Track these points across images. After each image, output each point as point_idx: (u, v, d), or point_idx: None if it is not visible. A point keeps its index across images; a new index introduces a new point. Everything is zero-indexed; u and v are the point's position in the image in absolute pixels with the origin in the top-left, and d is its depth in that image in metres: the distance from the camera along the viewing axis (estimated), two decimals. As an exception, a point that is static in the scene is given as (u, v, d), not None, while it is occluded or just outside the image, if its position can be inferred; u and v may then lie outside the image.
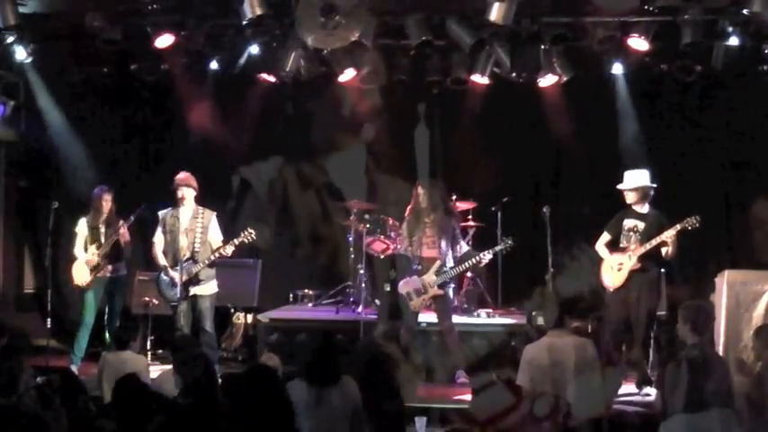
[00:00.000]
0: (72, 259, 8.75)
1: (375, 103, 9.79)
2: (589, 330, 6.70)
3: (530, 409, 5.77)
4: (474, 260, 8.36)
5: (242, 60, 9.23)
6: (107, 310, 8.74)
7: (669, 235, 7.73)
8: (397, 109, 10.23)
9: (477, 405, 5.62)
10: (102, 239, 8.69)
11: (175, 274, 8.07)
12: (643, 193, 8.03)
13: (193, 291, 8.16)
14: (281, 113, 10.42)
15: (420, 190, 8.43)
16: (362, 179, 10.50)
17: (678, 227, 7.74)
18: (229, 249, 8.03)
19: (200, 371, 4.97)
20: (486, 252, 8.34)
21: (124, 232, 8.66)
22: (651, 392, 7.72)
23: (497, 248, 8.44)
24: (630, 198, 8.03)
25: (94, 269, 8.64)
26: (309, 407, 5.14)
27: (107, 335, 8.67)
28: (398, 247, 8.74)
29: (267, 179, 10.83)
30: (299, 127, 10.47)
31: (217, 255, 8.05)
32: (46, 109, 9.93)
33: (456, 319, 8.73)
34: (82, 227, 8.75)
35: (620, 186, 8.10)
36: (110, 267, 8.69)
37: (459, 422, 5.40)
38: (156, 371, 7.23)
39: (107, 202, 8.74)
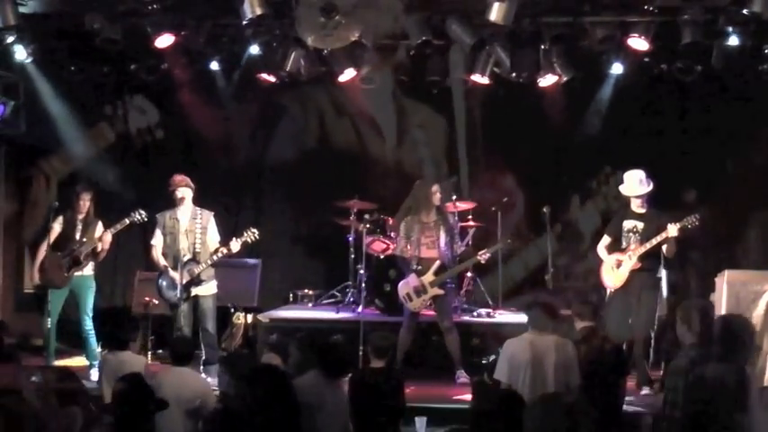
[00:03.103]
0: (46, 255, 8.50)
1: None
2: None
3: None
4: (473, 259, 8.40)
5: (242, 60, 9.23)
6: (79, 310, 8.51)
7: (672, 233, 7.74)
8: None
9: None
10: (78, 237, 8.46)
11: (176, 275, 8.06)
12: (647, 195, 8.05)
13: (195, 291, 8.15)
14: (283, 114, 10.42)
15: (434, 190, 8.41)
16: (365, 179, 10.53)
17: (678, 225, 7.74)
18: (235, 248, 8.03)
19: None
20: (484, 251, 8.36)
21: (106, 240, 8.41)
22: (651, 392, 7.73)
23: (495, 248, 8.49)
24: (635, 201, 8.04)
25: (74, 266, 8.41)
26: (318, 403, 5.32)
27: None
28: (396, 247, 8.72)
29: (268, 179, 10.84)
30: (300, 126, 10.48)
31: (220, 254, 8.04)
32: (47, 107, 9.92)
33: (456, 319, 8.73)
34: (58, 224, 8.54)
35: (624, 192, 8.09)
36: (68, 273, 8.42)
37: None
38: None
39: (85, 202, 8.53)
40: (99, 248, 8.45)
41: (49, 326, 8.42)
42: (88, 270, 8.56)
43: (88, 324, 8.48)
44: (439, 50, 8.94)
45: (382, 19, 7.84)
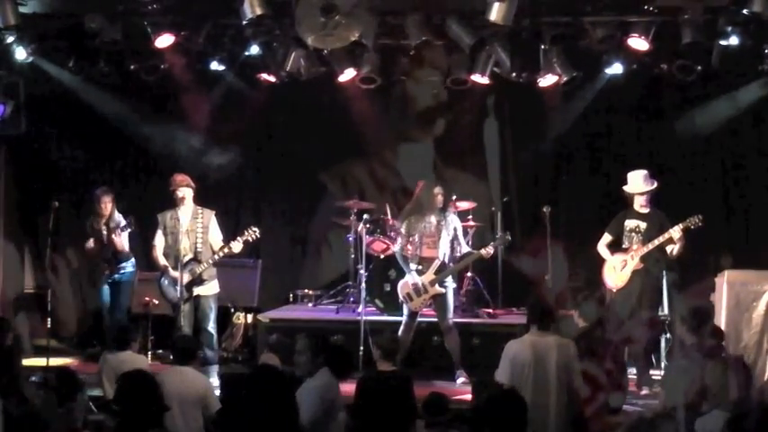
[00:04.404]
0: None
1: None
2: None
3: (605, 401, 5.87)
4: (474, 255, 8.43)
5: (242, 60, 9.23)
6: (112, 306, 8.81)
7: (676, 234, 7.74)
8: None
9: None
10: (105, 241, 8.71)
11: (177, 275, 8.05)
12: (650, 195, 8.05)
13: (197, 291, 8.16)
14: (283, 114, 10.42)
15: (437, 192, 8.43)
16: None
17: (681, 226, 7.75)
18: (236, 247, 8.04)
19: None
20: (486, 248, 8.36)
21: (119, 241, 8.66)
22: (651, 393, 7.74)
23: (495, 243, 8.55)
24: (639, 201, 8.04)
25: (103, 276, 8.77)
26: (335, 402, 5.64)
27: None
28: (394, 245, 8.72)
29: (269, 179, 10.83)
30: (300, 126, 10.48)
31: (222, 254, 8.05)
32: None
33: (456, 319, 8.72)
34: (89, 230, 8.78)
35: (629, 190, 8.08)
36: (108, 271, 8.74)
37: None
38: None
39: (106, 204, 8.71)
40: (119, 247, 8.69)
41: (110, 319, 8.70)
42: (122, 271, 8.84)
43: (117, 316, 8.74)
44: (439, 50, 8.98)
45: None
